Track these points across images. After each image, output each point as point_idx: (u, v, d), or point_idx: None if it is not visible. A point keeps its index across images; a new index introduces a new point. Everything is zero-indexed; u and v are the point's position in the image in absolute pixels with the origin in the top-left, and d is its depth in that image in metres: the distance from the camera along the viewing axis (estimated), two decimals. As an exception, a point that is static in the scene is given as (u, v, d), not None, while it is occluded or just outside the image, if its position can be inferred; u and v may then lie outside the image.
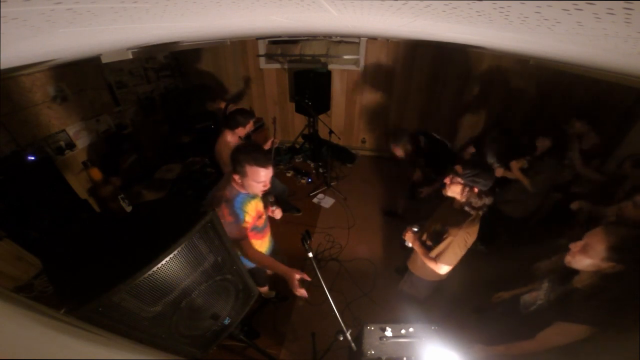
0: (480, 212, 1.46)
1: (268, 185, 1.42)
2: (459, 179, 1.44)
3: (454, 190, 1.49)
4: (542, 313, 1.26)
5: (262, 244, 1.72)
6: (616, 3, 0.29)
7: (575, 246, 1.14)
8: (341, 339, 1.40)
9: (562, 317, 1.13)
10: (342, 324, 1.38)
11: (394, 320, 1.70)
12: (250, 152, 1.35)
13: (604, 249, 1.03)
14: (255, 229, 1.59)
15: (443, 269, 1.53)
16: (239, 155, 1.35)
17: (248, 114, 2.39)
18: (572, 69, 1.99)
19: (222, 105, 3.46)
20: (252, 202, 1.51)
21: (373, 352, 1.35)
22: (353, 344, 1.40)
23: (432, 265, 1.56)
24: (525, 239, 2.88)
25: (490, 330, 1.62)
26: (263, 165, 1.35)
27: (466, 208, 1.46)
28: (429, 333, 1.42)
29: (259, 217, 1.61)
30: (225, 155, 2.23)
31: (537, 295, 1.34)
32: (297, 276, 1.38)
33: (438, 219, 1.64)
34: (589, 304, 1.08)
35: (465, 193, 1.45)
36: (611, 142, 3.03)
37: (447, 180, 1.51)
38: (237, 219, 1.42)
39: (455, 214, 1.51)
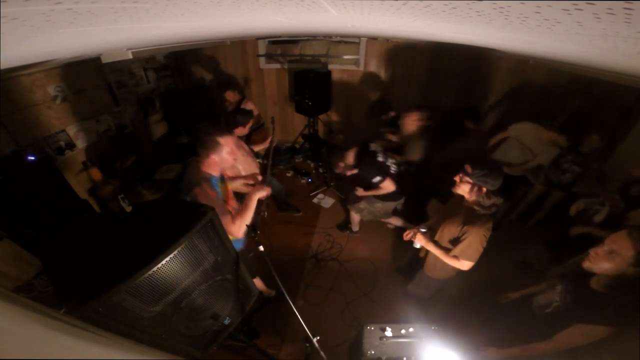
0: (492, 210, 1.47)
1: (236, 153, 1.59)
2: (468, 178, 1.46)
3: (463, 189, 1.51)
4: (559, 315, 1.25)
5: None
6: (616, 3, 0.29)
7: (596, 252, 1.13)
8: (308, 345, 1.44)
9: (583, 319, 1.13)
10: (308, 331, 1.41)
11: (394, 320, 1.71)
12: (211, 129, 1.51)
13: (633, 255, 1.02)
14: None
15: (467, 264, 1.55)
16: (205, 137, 1.48)
17: (248, 114, 2.39)
18: (572, 69, 1.99)
19: (238, 97, 3.45)
20: (222, 184, 1.62)
21: (373, 352, 1.35)
22: (322, 353, 1.41)
23: (454, 263, 1.57)
24: (526, 238, 2.89)
25: (499, 332, 1.61)
26: (228, 132, 1.53)
27: (476, 207, 1.47)
28: (429, 333, 1.42)
29: (230, 199, 1.71)
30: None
31: (552, 297, 1.33)
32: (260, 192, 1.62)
33: (451, 218, 1.63)
34: (611, 305, 1.08)
35: (474, 192, 1.46)
36: (611, 142, 3.04)
37: (457, 179, 1.53)
38: (218, 194, 1.51)
39: (470, 214, 1.52)
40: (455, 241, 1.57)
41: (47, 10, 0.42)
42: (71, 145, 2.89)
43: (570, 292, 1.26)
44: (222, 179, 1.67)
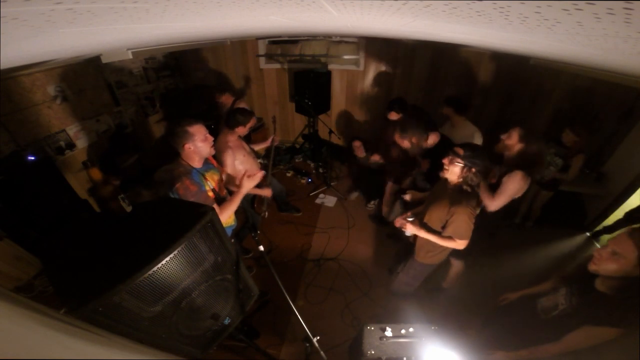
0: (477, 189, 1.57)
1: (211, 139, 1.60)
2: (459, 160, 1.52)
3: (453, 172, 1.56)
4: (566, 317, 1.25)
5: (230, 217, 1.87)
6: (616, 3, 0.29)
7: (600, 254, 1.13)
8: (308, 345, 1.45)
9: (591, 321, 1.13)
10: (308, 331, 1.42)
11: (394, 320, 1.70)
12: (179, 122, 1.53)
13: (636, 256, 1.02)
14: (219, 198, 1.70)
15: (462, 243, 1.61)
16: (175, 128, 1.51)
17: (248, 113, 2.38)
18: (572, 69, 1.99)
19: (231, 100, 3.45)
20: (208, 172, 1.66)
21: (373, 352, 1.35)
22: (322, 353, 1.43)
23: (449, 243, 1.63)
24: (522, 240, 2.89)
25: (501, 334, 1.60)
26: (196, 121, 1.54)
27: (464, 187, 1.55)
28: (429, 333, 1.42)
29: (220, 188, 1.75)
30: (223, 155, 2.23)
31: (556, 299, 1.32)
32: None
33: (437, 203, 1.68)
34: (619, 307, 1.08)
35: (464, 172, 1.54)
36: (611, 142, 3.04)
37: (445, 161, 1.58)
38: (200, 187, 1.55)
39: (455, 195, 1.58)
40: (445, 224, 1.63)
41: (47, 10, 0.42)
42: (71, 145, 2.89)
43: (576, 294, 1.25)
44: (209, 168, 1.70)
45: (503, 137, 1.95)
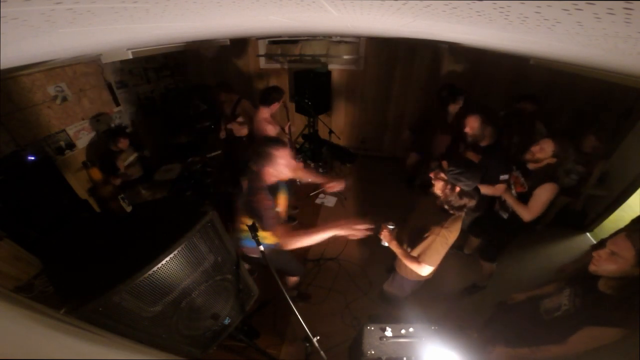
0: (462, 212, 1.44)
1: (294, 165, 1.58)
2: (443, 175, 1.42)
3: (437, 187, 1.46)
4: (569, 318, 1.24)
5: None
6: (616, 3, 0.29)
7: (599, 255, 1.13)
8: (308, 345, 1.44)
9: (595, 322, 1.13)
10: (308, 331, 1.40)
11: (394, 320, 1.70)
12: (268, 143, 1.54)
13: (633, 256, 1.03)
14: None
15: (426, 269, 1.49)
16: (264, 149, 1.50)
17: (280, 91, 2.57)
18: (572, 69, 1.99)
19: (235, 97, 3.46)
20: (278, 193, 1.66)
21: (373, 352, 1.35)
22: (322, 353, 1.41)
23: (414, 265, 1.51)
24: (522, 240, 2.88)
25: (503, 333, 1.60)
26: (284, 145, 1.53)
27: (445, 206, 1.44)
28: (429, 333, 1.42)
29: (284, 210, 1.76)
30: (262, 129, 2.44)
31: (559, 301, 1.32)
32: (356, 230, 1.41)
33: (420, 217, 1.59)
34: (622, 307, 1.08)
35: (446, 190, 1.42)
36: (611, 142, 3.04)
37: (431, 175, 1.49)
38: (273, 203, 1.54)
39: (437, 212, 1.49)
40: (417, 236, 1.52)
41: (47, 10, 0.42)
42: (71, 145, 2.89)
43: (579, 295, 1.25)
44: (280, 186, 1.66)
45: (534, 149, 1.87)
